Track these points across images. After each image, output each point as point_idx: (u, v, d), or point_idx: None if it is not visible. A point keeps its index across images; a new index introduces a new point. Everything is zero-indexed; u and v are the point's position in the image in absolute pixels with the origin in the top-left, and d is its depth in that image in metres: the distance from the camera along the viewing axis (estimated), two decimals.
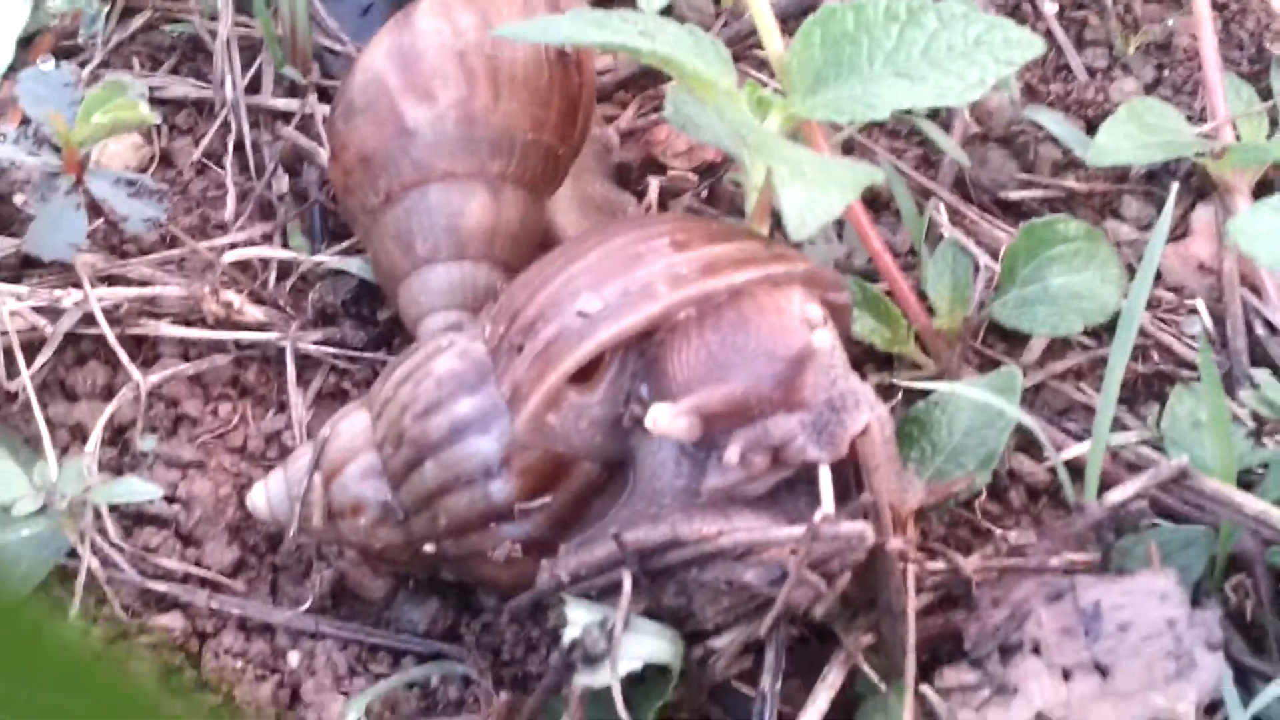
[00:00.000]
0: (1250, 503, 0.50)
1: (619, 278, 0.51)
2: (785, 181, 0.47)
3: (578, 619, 0.50)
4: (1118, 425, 0.58)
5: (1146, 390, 0.61)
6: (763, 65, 0.72)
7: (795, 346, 0.50)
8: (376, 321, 0.66)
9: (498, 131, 0.59)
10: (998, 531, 0.55)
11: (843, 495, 0.50)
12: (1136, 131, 0.60)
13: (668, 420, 0.49)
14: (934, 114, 0.68)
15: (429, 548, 0.54)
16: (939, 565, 0.53)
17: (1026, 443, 0.58)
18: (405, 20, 0.61)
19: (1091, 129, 0.66)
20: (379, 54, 0.60)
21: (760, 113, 0.54)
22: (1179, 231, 0.65)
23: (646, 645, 0.50)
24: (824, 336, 0.50)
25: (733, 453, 0.49)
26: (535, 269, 0.54)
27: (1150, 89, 0.70)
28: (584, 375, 0.51)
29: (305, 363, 0.65)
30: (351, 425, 0.56)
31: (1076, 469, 0.56)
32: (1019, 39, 0.52)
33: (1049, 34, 0.72)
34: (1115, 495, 0.51)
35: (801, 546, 0.48)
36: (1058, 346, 0.62)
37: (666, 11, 0.58)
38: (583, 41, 0.52)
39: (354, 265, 0.66)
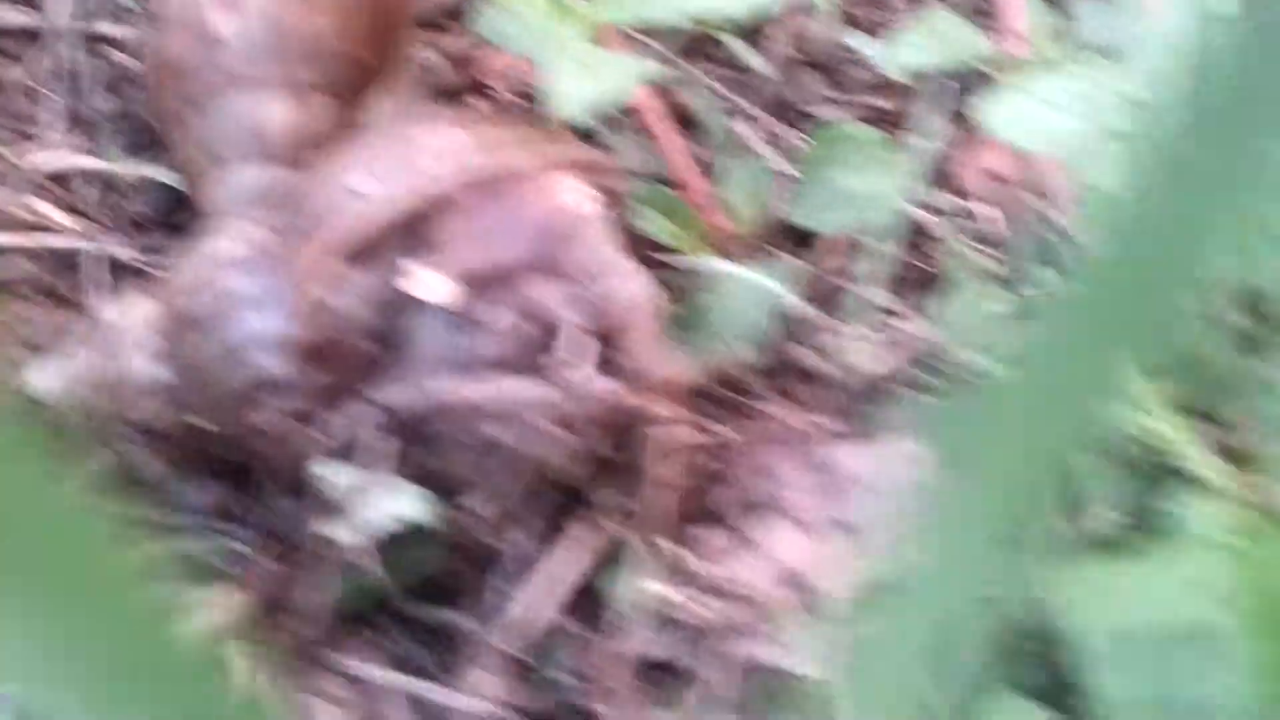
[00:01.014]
0: None
1: (392, 159, 0.52)
2: (560, 70, 0.48)
3: (336, 482, 0.51)
4: (894, 317, 0.58)
5: (927, 287, 0.61)
6: None
7: (561, 218, 0.51)
8: (190, 231, 0.66)
9: (306, 41, 0.60)
10: (757, 405, 0.56)
11: (606, 363, 0.51)
12: (929, 39, 0.61)
13: (434, 286, 0.50)
14: (754, 41, 0.69)
15: (205, 424, 0.54)
16: (702, 440, 0.53)
17: (800, 333, 0.58)
18: None
19: None
20: None
21: (561, 19, 0.55)
22: (976, 143, 0.66)
23: (402, 505, 0.50)
24: (589, 209, 0.51)
25: (497, 318, 0.50)
26: (319, 159, 0.55)
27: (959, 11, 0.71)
28: (358, 254, 0.52)
29: (118, 272, 0.65)
30: (138, 310, 0.56)
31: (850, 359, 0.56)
32: None
33: None
34: (874, 367, 0.52)
35: (543, 403, 0.48)
36: (847, 251, 0.63)
37: None
38: None
39: (168, 176, 0.66)
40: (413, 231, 0.52)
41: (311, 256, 0.52)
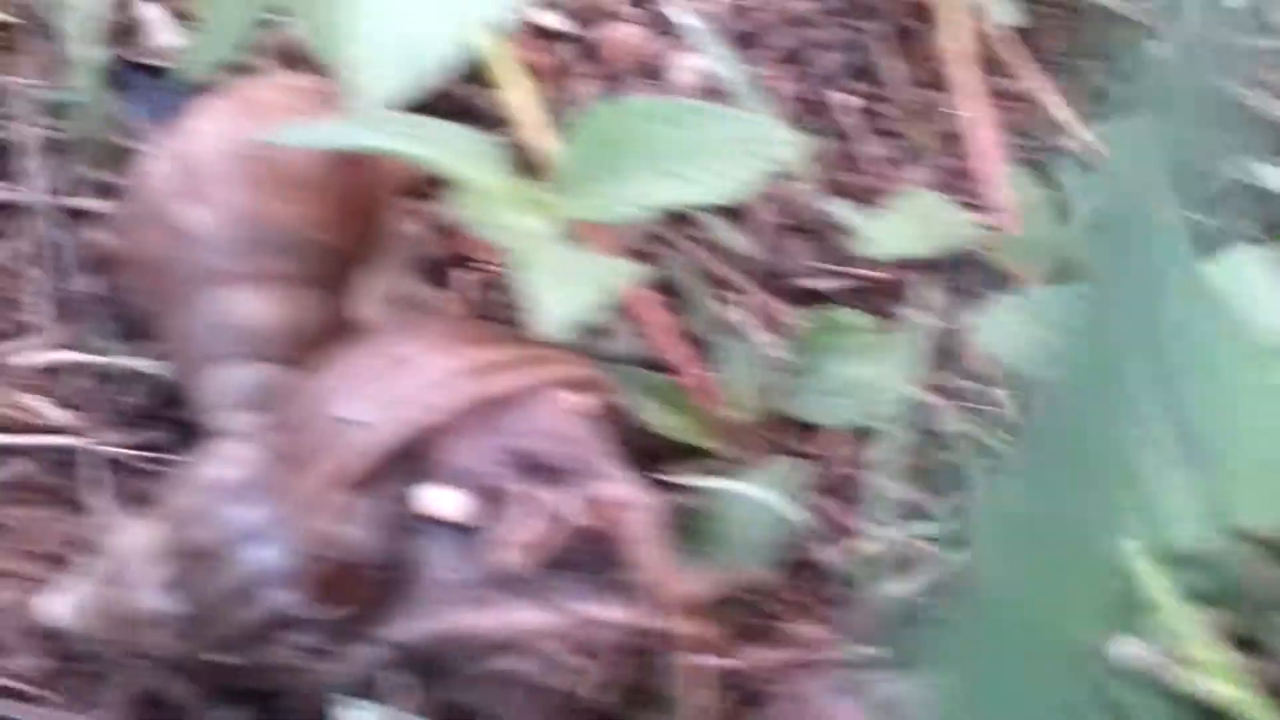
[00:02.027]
0: None
1: (383, 385, 0.52)
2: (536, 282, 0.48)
3: None
4: (916, 514, 0.58)
5: (946, 479, 0.61)
6: None
7: (559, 436, 0.51)
8: (181, 422, 0.65)
9: (278, 232, 0.59)
10: (786, 626, 0.56)
11: (616, 583, 0.50)
12: (907, 222, 0.61)
13: (444, 501, 0.50)
14: (731, 208, 0.70)
15: (221, 659, 0.53)
16: (732, 663, 0.54)
17: (822, 534, 0.58)
18: (181, 125, 0.61)
19: None
20: (158, 158, 0.61)
21: (533, 213, 0.55)
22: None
23: None
24: (586, 426, 0.51)
25: (506, 535, 0.50)
26: (310, 377, 0.55)
27: (945, 178, 0.71)
28: (358, 481, 0.51)
29: (109, 465, 0.64)
30: (139, 535, 0.55)
31: (871, 560, 0.56)
32: (779, 137, 0.53)
33: (849, 126, 0.74)
34: (907, 587, 0.52)
35: (564, 632, 0.48)
36: (857, 435, 0.63)
37: None
38: (346, 147, 0.52)
39: (156, 367, 0.66)
40: (412, 455, 0.52)
41: (312, 489, 0.51)
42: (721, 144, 0.53)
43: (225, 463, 0.54)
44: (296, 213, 0.60)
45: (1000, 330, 0.50)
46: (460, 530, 0.51)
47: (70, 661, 0.58)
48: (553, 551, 0.50)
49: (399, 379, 0.51)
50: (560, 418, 0.51)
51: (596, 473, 0.51)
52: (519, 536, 0.50)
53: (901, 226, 0.61)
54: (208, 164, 0.60)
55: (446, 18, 0.49)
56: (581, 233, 0.56)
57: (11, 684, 0.57)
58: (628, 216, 0.53)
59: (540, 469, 0.51)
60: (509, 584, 0.50)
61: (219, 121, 0.61)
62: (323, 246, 0.61)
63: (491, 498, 0.50)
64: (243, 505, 0.52)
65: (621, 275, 0.50)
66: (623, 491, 0.50)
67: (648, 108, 0.54)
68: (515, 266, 0.54)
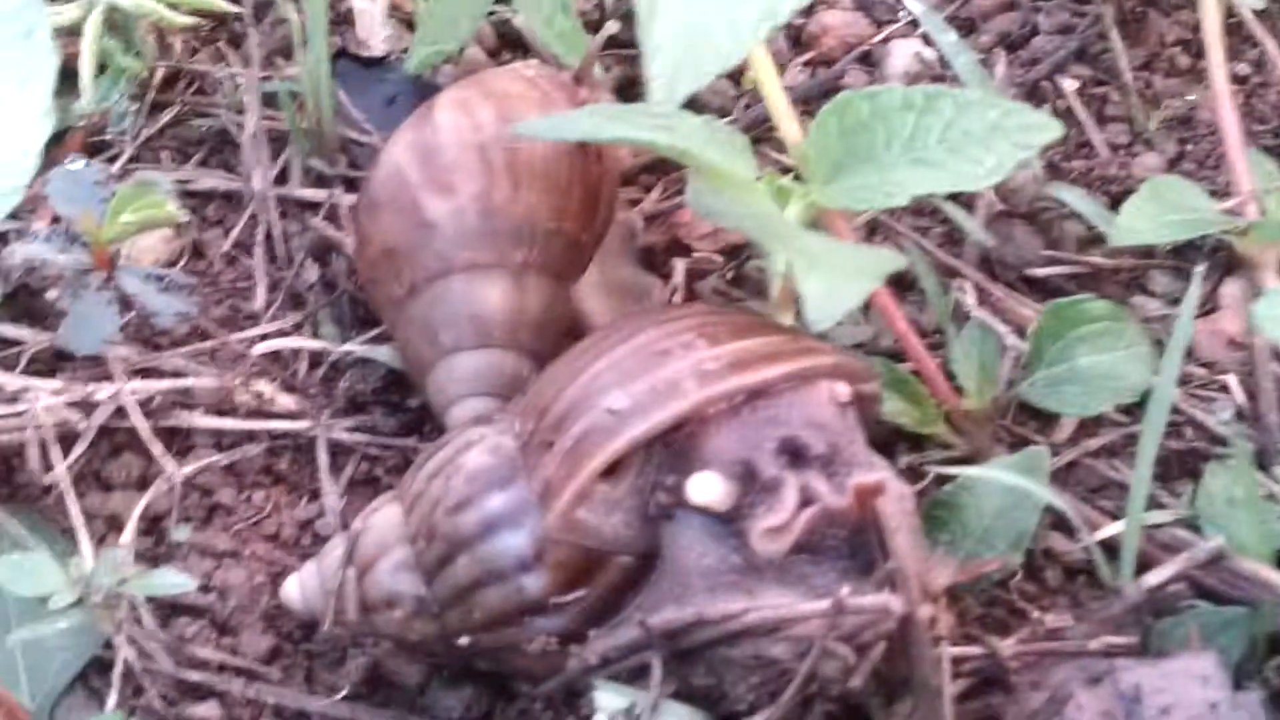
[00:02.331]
0: None
1: (646, 375, 0.52)
2: (805, 273, 0.47)
3: (606, 704, 0.51)
4: (1152, 503, 0.57)
5: (1180, 467, 0.60)
6: (785, 148, 0.72)
7: (816, 426, 0.51)
8: (407, 408, 0.66)
9: (518, 222, 0.60)
10: (1034, 614, 0.55)
11: (869, 568, 0.50)
12: (1158, 210, 0.60)
13: (705, 487, 0.50)
14: (957, 193, 0.69)
15: (463, 640, 0.54)
16: (976, 650, 0.53)
17: (1061, 522, 0.58)
18: (425, 115, 0.62)
19: (1115, 204, 0.66)
20: (399, 149, 0.61)
21: (780, 201, 0.55)
22: (1208, 307, 0.65)
23: None
24: (844, 416, 0.51)
25: (762, 523, 0.50)
26: (563, 364, 0.55)
27: (1173, 164, 0.70)
28: (611, 470, 0.51)
29: (337, 450, 0.65)
30: (384, 518, 0.56)
31: (1112, 548, 0.55)
32: (1036, 123, 0.52)
33: (1070, 111, 0.73)
34: (1153, 577, 0.51)
35: (827, 619, 0.48)
36: (1089, 423, 0.62)
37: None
38: (599, 137, 0.52)
39: (383, 354, 0.67)
40: (666, 446, 0.52)
41: (573, 477, 0.51)
42: (977, 130, 0.53)
43: (483, 450, 0.54)
44: (536, 202, 0.60)
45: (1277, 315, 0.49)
46: (719, 517, 0.51)
47: (302, 643, 0.60)
48: (811, 538, 0.50)
49: (663, 369, 0.51)
50: (821, 406, 0.51)
51: (856, 460, 0.51)
52: (778, 522, 0.50)
53: (1150, 213, 0.59)
54: (450, 154, 0.60)
55: (736, 12, 0.49)
56: (833, 224, 0.56)
57: (245, 664, 0.59)
58: (877, 204, 0.53)
59: (801, 456, 0.51)
60: (767, 571, 0.50)
61: (460, 112, 0.61)
62: (559, 235, 0.61)
63: (752, 484, 0.50)
64: (501, 492, 0.53)
65: (887, 265, 0.49)
66: (882, 479, 0.50)
67: (901, 96, 0.53)
68: (777, 256, 0.54)
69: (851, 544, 0.51)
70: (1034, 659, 0.53)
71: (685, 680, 0.51)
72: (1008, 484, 0.55)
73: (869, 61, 0.76)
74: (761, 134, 0.72)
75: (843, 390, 0.51)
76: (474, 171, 0.60)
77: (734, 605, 0.49)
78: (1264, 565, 0.50)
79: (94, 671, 0.59)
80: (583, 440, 0.51)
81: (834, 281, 0.48)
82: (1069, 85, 0.73)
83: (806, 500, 0.50)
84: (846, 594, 0.48)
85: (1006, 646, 0.52)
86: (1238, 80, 0.72)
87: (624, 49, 0.75)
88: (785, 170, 0.60)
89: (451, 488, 0.54)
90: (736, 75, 0.75)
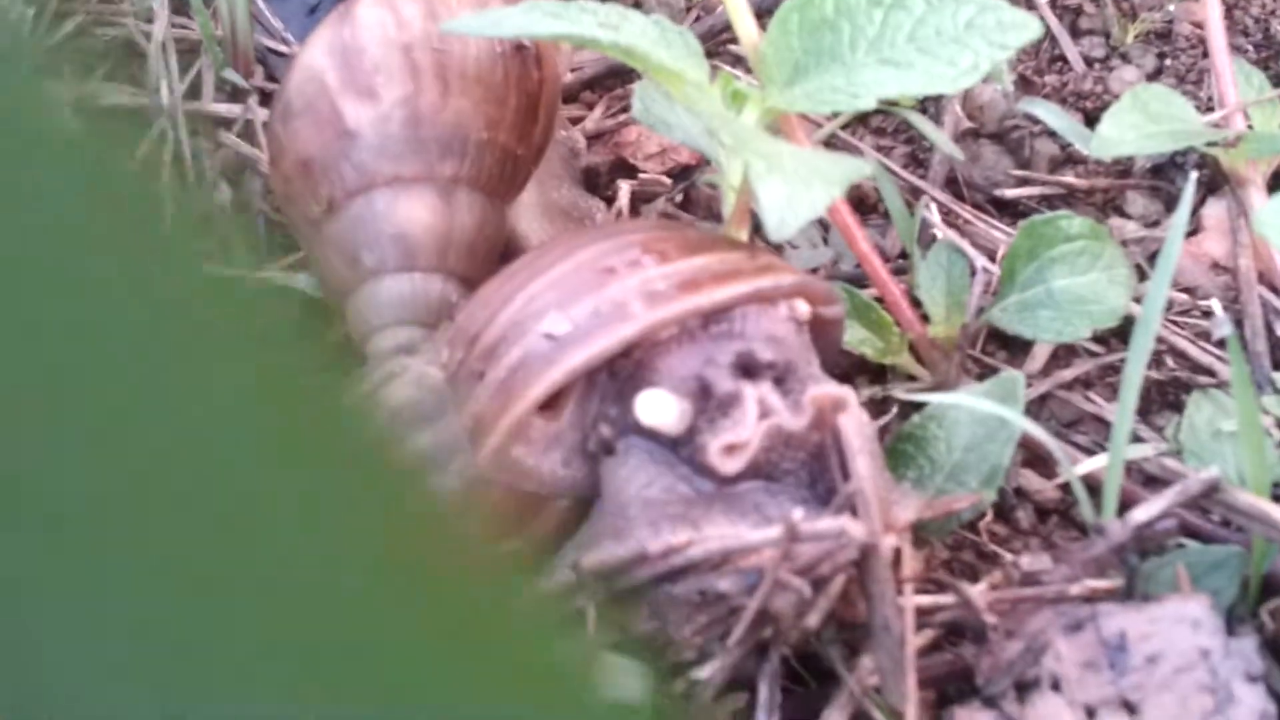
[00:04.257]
0: None
1: (589, 295, 0.46)
2: (762, 177, 0.42)
3: None
4: (1132, 437, 0.53)
5: (1161, 399, 0.56)
6: (738, 61, 0.68)
7: (772, 348, 0.46)
8: (331, 343, 0.61)
9: (448, 131, 0.54)
10: (1008, 556, 0.51)
11: (829, 498, 0.46)
12: (1142, 120, 0.55)
13: (657, 407, 0.45)
14: (922, 109, 0.64)
15: None
16: (944, 598, 0.49)
17: (1033, 458, 0.53)
18: (346, 13, 0.56)
19: (1090, 122, 0.62)
20: (317, 51, 0.55)
21: (735, 107, 0.50)
22: (1190, 229, 0.60)
23: (615, 684, 0.46)
24: (802, 339, 0.47)
25: (713, 446, 0.45)
26: (495, 285, 0.50)
27: (1152, 79, 0.66)
28: (550, 403, 0.46)
29: None
30: None
31: (1091, 486, 0.51)
32: (1013, 20, 0.48)
33: (1043, 23, 0.68)
34: (1140, 514, 0.47)
35: (779, 548, 0.43)
36: (1063, 353, 0.58)
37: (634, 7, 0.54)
38: (537, 34, 0.47)
39: (301, 281, 0.61)
40: (611, 374, 0.47)
41: (501, 409, 0.47)
42: (950, 29, 0.48)
43: (407, 383, 0.49)
44: (468, 110, 0.55)
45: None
46: (669, 442, 0.46)
47: None
48: (768, 460, 0.45)
49: (607, 289, 0.46)
50: (779, 322, 0.46)
51: (814, 378, 0.46)
52: (738, 438, 0.45)
53: (1133, 123, 0.55)
54: (372, 55, 0.54)
55: None
56: (791, 131, 0.51)
57: None
58: (842, 107, 0.48)
59: (756, 371, 0.46)
60: (716, 501, 0.46)
61: (385, 8, 0.55)
62: (493, 147, 0.56)
63: (706, 401, 0.45)
64: (428, 429, 0.48)
65: (851, 171, 0.45)
66: (844, 393, 0.45)
67: None
68: (732, 166, 0.49)
69: (811, 471, 0.46)
70: (1008, 605, 0.48)
71: (625, 628, 0.47)
72: (980, 414, 0.50)
73: None
74: (712, 47, 0.67)
75: (803, 308, 0.47)
76: (399, 74, 0.54)
77: (678, 538, 0.44)
78: (1261, 499, 0.46)
79: None
80: (518, 369, 0.46)
81: (794, 187, 0.43)
82: None
83: (764, 414, 0.45)
84: (800, 518, 0.43)
85: (979, 593, 0.48)
86: None
87: None
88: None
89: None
90: None
